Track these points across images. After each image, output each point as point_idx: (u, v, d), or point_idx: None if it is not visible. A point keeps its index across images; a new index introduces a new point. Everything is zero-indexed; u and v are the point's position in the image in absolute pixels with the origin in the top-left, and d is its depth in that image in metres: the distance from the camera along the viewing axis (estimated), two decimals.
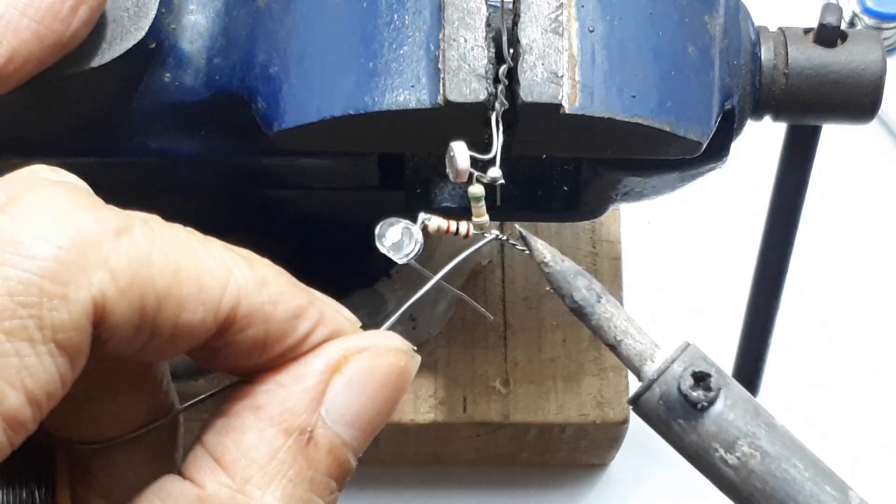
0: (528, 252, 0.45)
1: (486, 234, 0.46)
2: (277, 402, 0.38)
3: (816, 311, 0.82)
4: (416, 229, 0.45)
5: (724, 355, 0.67)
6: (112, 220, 0.36)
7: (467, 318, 0.72)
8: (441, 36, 0.50)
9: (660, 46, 0.52)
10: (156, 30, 0.53)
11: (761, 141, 0.67)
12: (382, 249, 0.44)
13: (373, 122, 0.50)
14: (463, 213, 0.47)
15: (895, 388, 0.80)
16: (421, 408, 0.71)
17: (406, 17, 0.51)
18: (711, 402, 0.42)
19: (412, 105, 0.50)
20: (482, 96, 0.49)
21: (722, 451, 0.42)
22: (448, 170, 0.47)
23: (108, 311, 0.35)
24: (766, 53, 0.56)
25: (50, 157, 0.42)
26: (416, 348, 0.40)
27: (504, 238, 0.46)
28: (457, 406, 0.71)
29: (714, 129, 0.53)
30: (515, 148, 0.52)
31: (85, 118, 0.55)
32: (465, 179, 0.46)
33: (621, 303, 0.72)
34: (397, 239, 0.44)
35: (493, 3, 0.51)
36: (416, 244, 0.44)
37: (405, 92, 0.50)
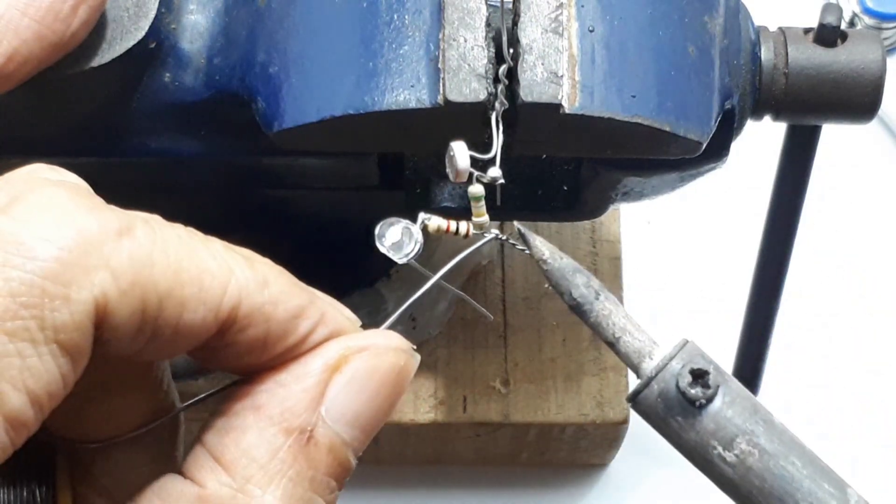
0: (527, 250, 0.45)
1: (485, 234, 0.46)
2: (277, 402, 0.38)
3: (816, 311, 0.82)
4: (416, 229, 0.45)
5: (724, 355, 0.67)
6: (113, 220, 0.36)
7: (467, 318, 0.72)
8: (441, 36, 0.50)
9: (660, 46, 0.52)
10: (156, 30, 0.53)
11: (761, 141, 0.67)
12: (382, 249, 0.44)
13: (373, 122, 0.50)
14: (463, 213, 0.47)
15: (895, 388, 0.80)
16: (421, 408, 0.71)
17: (406, 17, 0.51)
18: (710, 400, 0.42)
19: (412, 105, 0.50)
20: (482, 96, 0.49)
21: (720, 449, 0.42)
22: (448, 170, 0.47)
23: (109, 312, 0.35)
24: (766, 53, 0.56)
25: (50, 157, 0.42)
26: (415, 347, 0.40)
27: (504, 238, 0.46)
28: (457, 406, 0.71)
29: (714, 129, 0.53)
30: (515, 148, 0.52)
31: (85, 118, 0.55)
32: (465, 179, 0.46)
33: (621, 303, 0.72)
34: (397, 239, 0.44)
35: (493, 3, 0.51)
36: (416, 244, 0.44)
37: (405, 92, 0.50)
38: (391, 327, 0.42)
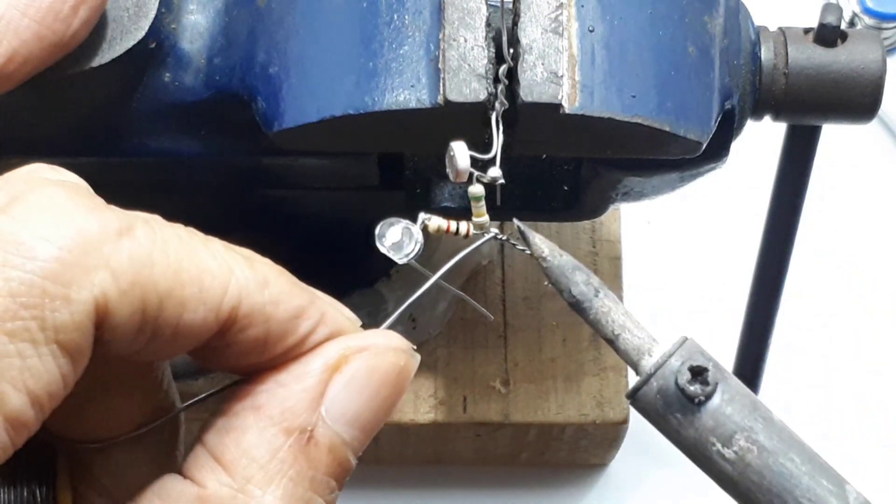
0: (526, 249, 0.45)
1: (485, 234, 0.46)
2: (278, 402, 0.38)
3: (816, 311, 0.82)
4: (416, 229, 0.45)
5: (724, 355, 0.67)
6: (113, 220, 0.36)
7: (467, 318, 0.72)
8: (441, 36, 0.50)
9: (660, 46, 0.52)
10: (156, 30, 0.53)
11: (761, 141, 0.67)
12: (382, 249, 0.44)
13: (373, 122, 0.50)
14: (463, 213, 0.47)
15: (895, 388, 0.80)
16: (421, 408, 0.71)
17: (406, 17, 0.51)
18: (709, 397, 0.42)
19: (412, 105, 0.50)
20: (482, 96, 0.49)
21: (719, 446, 0.42)
22: (448, 170, 0.47)
23: (109, 312, 0.35)
24: (766, 53, 0.56)
25: (50, 157, 0.42)
26: (415, 347, 0.40)
27: (504, 238, 0.46)
28: (457, 406, 0.71)
29: (714, 129, 0.53)
30: (515, 148, 0.52)
31: (85, 118, 0.55)
32: (465, 179, 0.46)
33: (621, 302, 0.72)
34: (397, 239, 0.44)
35: (493, 3, 0.51)
36: (416, 244, 0.44)
37: (405, 92, 0.50)
38: (391, 327, 0.42)
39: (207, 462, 0.38)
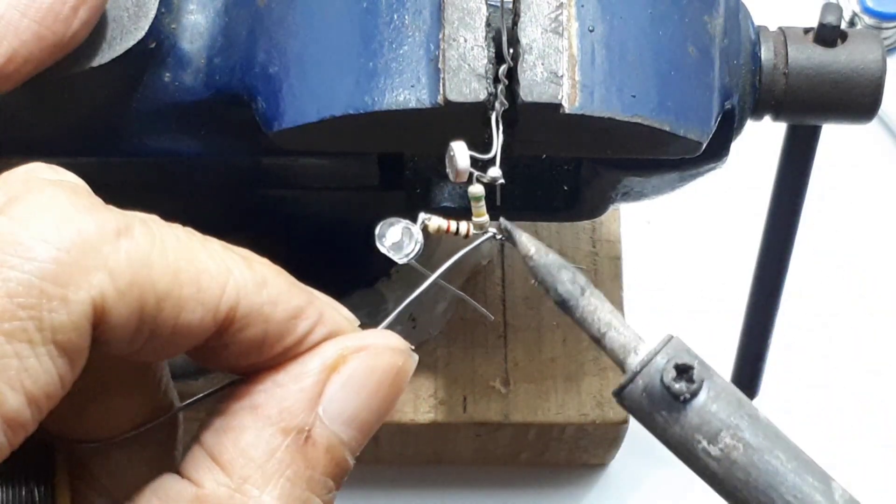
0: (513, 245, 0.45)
1: (485, 233, 0.46)
2: (275, 402, 0.38)
3: (816, 311, 0.82)
4: (416, 229, 0.45)
5: (724, 355, 0.67)
6: (112, 221, 0.36)
7: (467, 318, 0.72)
8: (441, 36, 0.50)
9: (660, 46, 0.52)
10: (156, 30, 0.53)
11: (761, 141, 0.67)
12: (382, 249, 0.44)
13: (373, 122, 0.50)
14: (463, 213, 0.47)
15: (895, 388, 0.80)
16: (421, 408, 0.71)
17: (406, 17, 0.51)
18: (694, 394, 0.42)
19: (412, 105, 0.50)
20: (482, 96, 0.49)
21: (705, 443, 0.42)
22: (448, 170, 0.47)
23: (107, 313, 0.35)
24: (766, 53, 0.56)
25: (50, 157, 0.42)
26: (413, 347, 0.40)
27: (501, 237, 0.46)
28: (457, 406, 0.71)
29: (714, 129, 0.53)
30: (515, 148, 0.52)
31: (85, 118, 0.55)
32: (465, 179, 0.46)
33: (621, 303, 0.72)
34: (397, 239, 0.44)
35: (493, 3, 0.51)
36: (416, 244, 0.44)
37: (405, 92, 0.50)
38: (391, 327, 0.42)
39: (205, 462, 0.38)
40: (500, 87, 0.50)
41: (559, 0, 0.51)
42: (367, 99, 0.50)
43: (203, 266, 0.37)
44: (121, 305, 0.35)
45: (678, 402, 0.42)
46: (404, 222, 0.44)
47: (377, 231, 0.44)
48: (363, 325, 0.41)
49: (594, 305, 0.44)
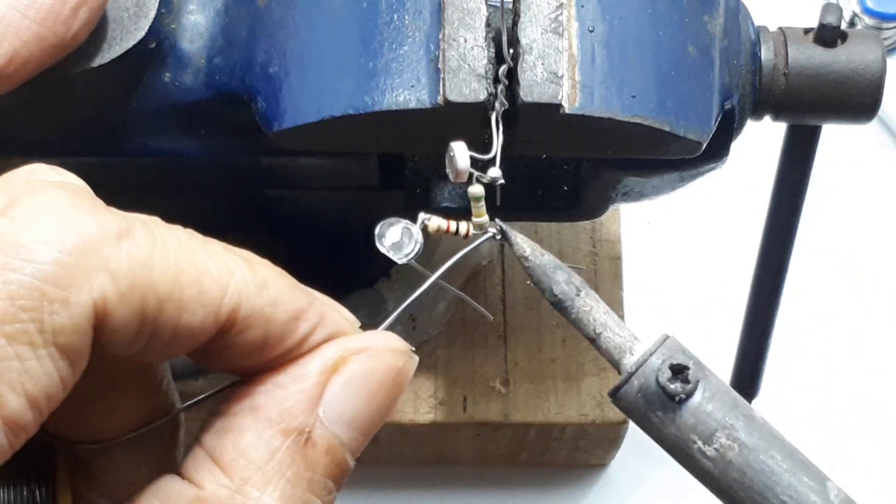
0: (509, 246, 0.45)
1: (485, 233, 0.46)
2: (276, 403, 0.38)
3: (816, 311, 0.82)
4: (416, 229, 0.45)
5: (724, 355, 0.67)
6: (113, 222, 0.36)
7: (467, 318, 0.72)
8: (441, 36, 0.50)
9: (660, 46, 0.52)
10: (156, 30, 0.53)
11: (761, 141, 0.67)
12: (382, 249, 0.44)
13: (373, 122, 0.50)
14: (463, 213, 0.47)
15: (895, 388, 0.80)
16: (421, 408, 0.71)
17: (406, 17, 0.51)
18: (689, 395, 0.42)
19: (412, 105, 0.50)
20: (482, 96, 0.49)
21: (700, 443, 0.42)
22: (448, 170, 0.47)
23: (108, 315, 0.35)
24: (766, 53, 0.56)
25: (50, 157, 0.42)
26: (413, 348, 0.40)
27: (500, 237, 0.46)
28: (457, 406, 0.71)
29: (714, 129, 0.53)
30: (515, 148, 0.52)
31: (85, 118, 0.55)
32: (465, 179, 0.46)
33: (621, 303, 0.72)
34: (397, 239, 0.44)
35: (493, 3, 0.51)
36: (416, 244, 0.44)
37: (405, 92, 0.50)
38: (390, 328, 0.42)
39: (205, 463, 0.38)
40: (500, 87, 0.50)
41: (559, 0, 0.51)
42: (367, 99, 0.50)
43: (204, 268, 0.37)
44: (122, 307, 0.35)
45: (673, 402, 0.42)
46: (404, 222, 0.44)
47: (377, 231, 0.44)
48: (363, 326, 0.41)
49: (589, 306, 0.44)
